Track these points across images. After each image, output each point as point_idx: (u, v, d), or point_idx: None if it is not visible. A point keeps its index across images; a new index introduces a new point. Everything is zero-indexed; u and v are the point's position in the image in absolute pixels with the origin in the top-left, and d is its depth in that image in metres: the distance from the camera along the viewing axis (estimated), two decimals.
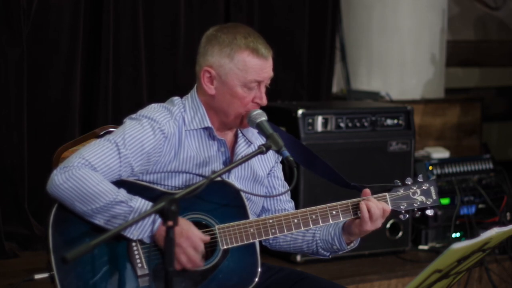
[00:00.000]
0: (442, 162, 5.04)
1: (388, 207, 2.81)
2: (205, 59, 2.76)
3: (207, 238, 2.63)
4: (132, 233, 2.59)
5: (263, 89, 2.76)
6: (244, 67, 2.71)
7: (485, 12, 7.03)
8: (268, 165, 2.92)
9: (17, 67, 4.42)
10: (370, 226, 2.77)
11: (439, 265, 2.41)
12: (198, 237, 2.59)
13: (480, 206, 5.03)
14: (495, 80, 6.91)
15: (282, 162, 2.96)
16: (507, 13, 7.08)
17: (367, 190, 2.82)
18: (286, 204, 2.96)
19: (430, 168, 4.96)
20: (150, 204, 2.59)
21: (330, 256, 2.94)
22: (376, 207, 2.76)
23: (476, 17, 6.99)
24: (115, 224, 2.57)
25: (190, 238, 2.57)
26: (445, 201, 4.90)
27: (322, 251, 2.90)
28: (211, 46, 2.75)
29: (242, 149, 2.84)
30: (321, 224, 2.76)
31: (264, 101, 2.76)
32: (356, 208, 2.78)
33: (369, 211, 2.75)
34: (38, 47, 4.58)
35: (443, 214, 4.91)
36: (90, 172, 2.58)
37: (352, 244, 2.87)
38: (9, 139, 4.45)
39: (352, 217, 2.79)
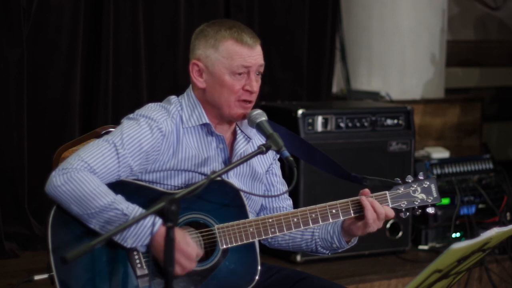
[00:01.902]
0: (442, 162, 5.04)
1: (392, 213, 2.80)
2: (193, 53, 2.79)
3: (200, 252, 2.61)
4: (126, 241, 2.56)
5: (253, 77, 2.75)
6: (229, 54, 2.72)
7: (485, 12, 7.04)
8: (267, 162, 2.93)
9: (17, 67, 4.42)
10: (372, 229, 2.77)
11: (439, 265, 2.41)
12: (192, 246, 2.57)
13: (480, 206, 5.03)
14: (495, 80, 6.91)
15: (282, 162, 2.96)
16: (507, 13, 7.09)
17: (366, 190, 2.82)
18: (284, 202, 2.96)
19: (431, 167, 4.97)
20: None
21: (329, 254, 2.94)
22: (379, 211, 2.76)
23: (476, 17, 7.00)
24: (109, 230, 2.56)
25: (182, 250, 2.54)
26: (445, 201, 4.90)
27: (322, 249, 2.90)
28: (198, 40, 2.79)
29: (241, 145, 2.84)
30: (320, 223, 2.76)
31: (254, 88, 2.75)
32: (356, 206, 2.78)
33: (375, 211, 2.75)
34: (38, 47, 4.58)
35: (443, 214, 4.91)
36: (89, 176, 2.57)
37: (351, 242, 2.87)
38: (9, 139, 4.45)
39: (352, 215, 2.78)
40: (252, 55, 2.74)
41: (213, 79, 2.75)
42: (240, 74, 2.73)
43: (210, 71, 2.75)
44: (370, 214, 2.74)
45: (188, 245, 2.56)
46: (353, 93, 5.78)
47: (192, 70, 2.78)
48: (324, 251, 2.91)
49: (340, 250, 2.90)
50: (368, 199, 2.76)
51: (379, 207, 2.76)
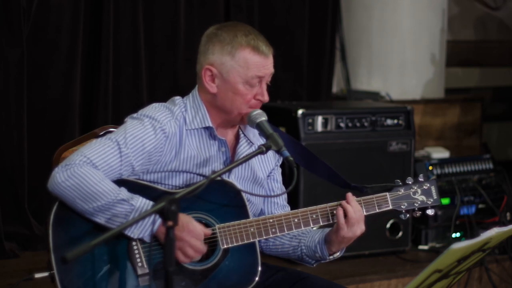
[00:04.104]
0: (442, 162, 5.04)
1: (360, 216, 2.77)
2: (206, 57, 2.76)
3: (208, 231, 2.63)
4: (133, 232, 2.59)
5: (264, 86, 2.76)
6: (245, 64, 2.71)
7: (485, 12, 7.04)
8: (268, 167, 2.92)
9: (17, 67, 4.42)
10: (347, 232, 2.73)
11: (439, 265, 2.41)
12: (199, 228, 2.60)
13: (480, 206, 5.03)
14: (495, 80, 6.91)
15: (282, 163, 2.96)
16: (507, 13, 7.09)
17: (349, 194, 2.80)
18: (283, 208, 2.95)
19: (430, 168, 4.96)
20: (151, 203, 2.59)
21: (314, 265, 2.91)
22: (354, 211, 2.74)
23: (476, 17, 7.00)
24: (116, 223, 2.57)
25: (191, 231, 2.58)
26: (445, 201, 4.90)
27: (307, 258, 2.88)
28: (212, 44, 2.75)
29: (244, 149, 2.84)
30: (321, 223, 2.76)
31: (266, 98, 2.77)
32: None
33: (346, 215, 2.73)
34: (38, 47, 4.58)
35: (443, 214, 4.91)
36: (92, 170, 2.58)
37: (336, 255, 2.84)
38: (9, 139, 4.45)
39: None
40: (266, 64, 2.74)
41: (226, 86, 2.74)
42: (253, 83, 2.73)
43: (224, 78, 2.74)
44: (342, 222, 2.73)
45: (195, 226, 2.58)
46: (353, 93, 5.78)
47: (204, 74, 2.76)
48: (309, 260, 2.88)
49: (323, 261, 2.87)
50: (343, 205, 2.75)
51: (352, 215, 2.73)
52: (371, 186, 2.90)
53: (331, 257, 2.84)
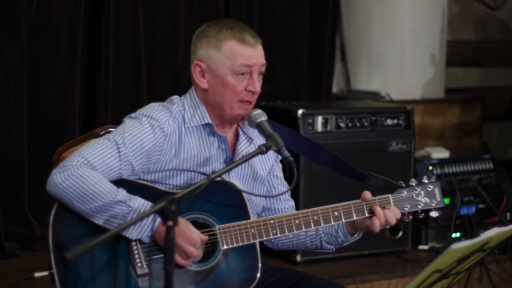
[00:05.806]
0: (442, 162, 5.04)
1: (393, 221, 2.82)
2: (195, 54, 2.79)
3: (205, 237, 2.63)
4: (131, 233, 2.59)
5: (255, 77, 2.76)
6: (231, 54, 2.72)
7: (485, 12, 7.04)
8: (268, 164, 2.93)
9: (17, 67, 4.42)
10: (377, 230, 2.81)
11: (439, 265, 2.41)
12: (196, 235, 2.60)
13: (480, 206, 5.03)
14: (495, 80, 6.91)
15: (282, 161, 2.96)
16: (507, 13, 7.09)
17: (367, 195, 2.81)
18: (286, 203, 2.95)
19: (430, 168, 4.96)
20: (149, 204, 2.59)
21: (333, 249, 2.94)
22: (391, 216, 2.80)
23: (476, 17, 7.00)
24: (114, 224, 2.57)
25: (188, 237, 2.58)
26: (445, 201, 4.89)
27: (326, 245, 2.90)
28: (200, 41, 2.79)
29: (244, 147, 2.84)
30: (322, 225, 2.76)
31: (257, 88, 2.76)
32: (359, 209, 2.78)
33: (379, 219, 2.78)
34: (38, 47, 4.58)
35: (443, 214, 4.90)
36: (90, 171, 2.58)
37: (356, 235, 2.87)
38: (9, 139, 4.45)
39: (355, 218, 2.78)
40: (254, 54, 2.75)
41: (215, 80, 2.75)
42: (242, 74, 2.73)
43: (213, 72, 2.75)
44: (377, 225, 2.79)
45: (192, 232, 2.58)
46: (353, 93, 5.79)
47: (194, 71, 2.78)
48: (329, 246, 2.91)
49: (345, 244, 2.90)
50: (377, 208, 2.78)
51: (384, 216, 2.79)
52: (376, 176, 2.91)
53: (352, 238, 2.87)
